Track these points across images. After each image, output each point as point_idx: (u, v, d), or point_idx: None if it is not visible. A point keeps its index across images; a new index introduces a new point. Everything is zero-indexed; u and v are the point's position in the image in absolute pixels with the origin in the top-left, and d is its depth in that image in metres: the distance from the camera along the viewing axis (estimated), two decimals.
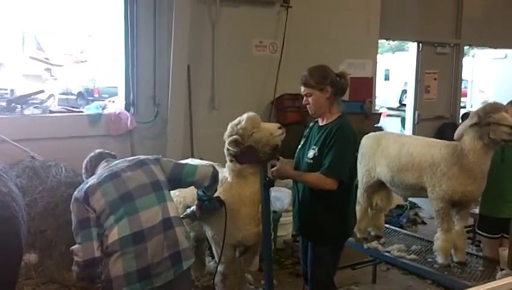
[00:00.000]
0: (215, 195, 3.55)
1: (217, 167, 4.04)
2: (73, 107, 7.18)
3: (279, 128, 3.60)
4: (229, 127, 3.64)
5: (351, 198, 3.50)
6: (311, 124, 3.61)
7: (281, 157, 3.62)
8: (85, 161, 3.34)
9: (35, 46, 15.44)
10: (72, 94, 14.10)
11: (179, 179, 3.21)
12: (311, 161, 3.37)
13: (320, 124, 3.48)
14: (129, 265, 2.78)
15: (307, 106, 3.46)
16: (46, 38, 15.43)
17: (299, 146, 3.61)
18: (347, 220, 3.49)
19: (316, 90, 3.39)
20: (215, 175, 3.34)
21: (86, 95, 13.88)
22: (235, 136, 3.54)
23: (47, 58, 15.37)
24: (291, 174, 3.47)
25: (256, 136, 3.52)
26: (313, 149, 3.38)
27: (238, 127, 3.56)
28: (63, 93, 13.80)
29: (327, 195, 3.32)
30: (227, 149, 3.63)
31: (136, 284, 2.79)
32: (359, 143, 5.04)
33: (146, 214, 2.89)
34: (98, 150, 3.40)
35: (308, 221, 3.49)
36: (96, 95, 13.38)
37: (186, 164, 3.41)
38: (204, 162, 4.07)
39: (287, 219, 5.65)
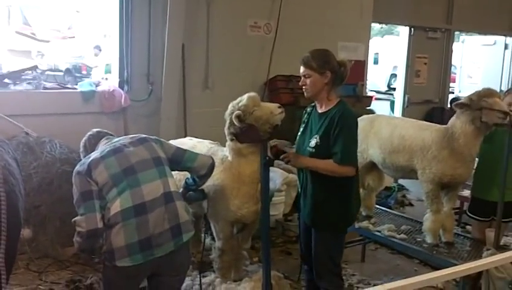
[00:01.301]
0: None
1: (215, 146, 4.12)
2: (61, 84, 7.13)
3: (279, 107, 3.63)
4: (230, 106, 3.67)
5: (354, 183, 3.48)
6: (308, 109, 3.58)
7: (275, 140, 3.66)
8: (83, 140, 3.37)
9: (21, 20, 15.22)
10: (60, 70, 13.96)
11: (179, 161, 3.28)
12: (313, 150, 3.36)
13: (320, 110, 3.45)
14: (131, 236, 2.83)
15: (304, 87, 3.43)
16: (32, 13, 15.21)
17: (299, 133, 3.59)
18: (350, 206, 3.49)
19: (315, 73, 3.36)
20: (212, 166, 3.41)
21: (74, 72, 13.74)
22: (238, 112, 3.56)
23: (34, 34, 15.18)
24: (308, 162, 3.41)
25: (257, 113, 3.55)
26: (315, 138, 3.37)
27: (240, 104, 3.59)
28: (50, 70, 13.68)
29: (330, 181, 3.33)
30: (229, 126, 3.66)
31: (137, 254, 2.84)
32: None
33: (148, 188, 2.95)
34: (96, 129, 3.43)
35: (312, 207, 3.50)
36: (84, 72, 13.26)
37: (187, 150, 3.47)
38: (206, 143, 4.17)
39: (279, 199, 5.73)
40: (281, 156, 3.43)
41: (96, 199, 2.91)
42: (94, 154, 3.05)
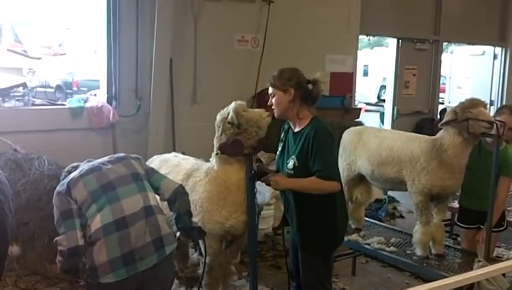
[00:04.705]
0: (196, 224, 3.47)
1: (200, 161, 4.09)
2: (52, 100, 7.12)
3: (266, 111, 3.56)
4: (218, 116, 3.60)
5: (337, 201, 3.39)
6: (286, 127, 3.54)
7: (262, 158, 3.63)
8: (67, 167, 3.34)
9: (12, 38, 15.22)
10: (51, 87, 13.95)
11: (148, 179, 3.23)
12: (292, 172, 3.33)
13: (295, 130, 3.41)
14: (113, 251, 2.81)
15: (272, 108, 3.41)
16: (24, 31, 15.23)
17: (278, 152, 3.56)
18: (336, 225, 3.42)
19: (279, 91, 3.33)
20: (178, 192, 3.25)
21: (65, 88, 13.73)
22: (232, 111, 3.48)
23: (25, 51, 15.17)
24: (291, 184, 3.35)
25: (247, 115, 3.48)
26: (292, 159, 3.33)
27: (229, 110, 3.54)
28: (41, 86, 13.66)
29: (312, 202, 3.29)
30: (221, 134, 3.57)
31: (121, 269, 2.82)
32: (340, 138, 5.12)
33: (127, 202, 2.94)
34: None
35: (297, 229, 3.47)
36: (75, 88, 13.26)
37: (158, 171, 3.43)
38: (191, 160, 4.14)
39: (268, 213, 5.72)
40: (262, 179, 3.40)
41: (76, 217, 2.90)
42: (73, 174, 3.07)
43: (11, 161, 5.17)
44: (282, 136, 3.55)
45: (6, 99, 5.96)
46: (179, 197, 3.24)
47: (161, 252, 2.95)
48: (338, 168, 3.36)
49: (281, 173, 3.48)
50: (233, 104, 3.53)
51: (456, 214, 5.03)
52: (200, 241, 3.83)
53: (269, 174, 3.40)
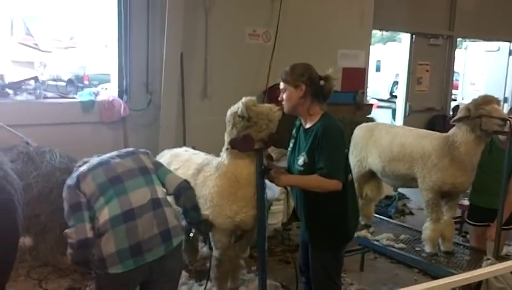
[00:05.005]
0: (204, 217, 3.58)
1: (210, 156, 4.09)
2: (63, 94, 7.16)
3: (276, 106, 3.54)
4: (229, 111, 3.60)
5: (347, 197, 3.35)
6: (297, 123, 3.51)
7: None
8: (78, 162, 3.38)
9: (24, 31, 15.31)
10: (62, 81, 14.01)
11: (156, 172, 3.28)
12: (302, 168, 3.31)
13: (305, 126, 3.39)
14: (121, 242, 2.86)
15: (282, 102, 3.39)
16: (35, 24, 15.31)
17: (289, 148, 3.55)
18: (346, 221, 3.39)
19: (290, 86, 3.32)
20: (182, 187, 3.29)
21: (76, 82, 13.79)
22: (242, 106, 3.47)
23: (36, 44, 15.26)
24: (292, 180, 3.39)
25: (257, 109, 3.47)
26: (302, 156, 3.31)
27: (239, 105, 3.53)
28: (53, 80, 13.72)
29: (321, 198, 3.26)
30: (232, 128, 3.56)
31: (129, 260, 2.86)
32: (351, 134, 5.09)
33: (135, 195, 2.98)
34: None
35: (306, 225, 3.47)
36: (86, 82, 13.31)
37: (164, 166, 3.47)
38: (201, 155, 4.16)
39: (278, 208, 5.70)
40: (265, 176, 3.41)
41: (85, 210, 2.94)
42: (82, 168, 3.12)
43: (23, 154, 5.22)
44: (293, 132, 3.53)
45: (18, 93, 6.01)
46: (183, 192, 3.27)
47: (168, 244, 2.98)
48: (342, 168, 3.26)
49: (282, 169, 3.48)
50: (243, 99, 3.53)
51: (466, 212, 5.00)
52: (210, 235, 3.85)
53: (272, 170, 3.40)
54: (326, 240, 3.40)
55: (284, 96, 3.36)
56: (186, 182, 3.34)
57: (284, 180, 3.37)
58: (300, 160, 3.32)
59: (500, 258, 4.21)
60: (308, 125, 3.36)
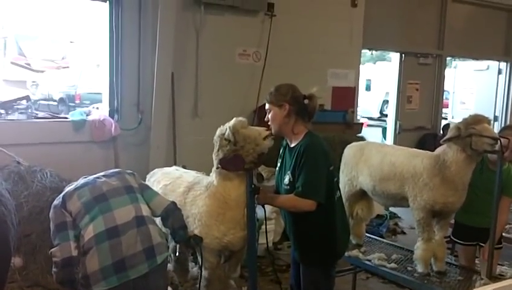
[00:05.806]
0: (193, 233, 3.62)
1: (201, 175, 4.07)
2: (54, 113, 7.15)
3: (267, 130, 3.53)
4: (218, 130, 3.60)
5: (336, 214, 3.36)
6: (284, 143, 3.53)
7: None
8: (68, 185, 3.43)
9: (16, 51, 15.35)
10: (54, 100, 14.02)
11: (141, 193, 3.32)
12: (288, 187, 3.32)
13: (290, 145, 3.40)
14: (104, 259, 2.88)
15: (269, 123, 3.42)
16: (28, 44, 15.36)
17: (277, 168, 3.56)
18: (335, 239, 3.38)
19: (274, 107, 3.35)
20: (169, 209, 3.34)
21: (68, 101, 13.80)
22: (228, 130, 3.47)
23: (28, 64, 15.29)
24: (268, 199, 3.41)
25: (245, 133, 3.46)
26: (288, 175, 3.32)
27: (227, 126, 3.52)
28: (44, 99, 13.72)
29: (308, 216, 3.25)
30: (218, 150, 3.55)
31: (112, 277, 2.88)
32: (341, 153, 5.08)
33: (119, 212, 3.03)
34: None
35: (296, 244, 3.46)
36: (77, 101, 13.32)
37: (151, 188, 3.51)
38: (192, 173, 4.15)
39: (268, 227, 5.66)
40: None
41: (70, 229, 3.00)
42: (69, 187, 3.19)
43: (14, 173, 5.23)
44: (280, 151, 3.55)
45: (9, 112, 6.02)
46: (170, 214, 3.32)
47: (152, 261, 2.99)
48: (320, 187, 3.23)
49: (262, 188, 3.50)
50: (233, 121, 3.53)
51: (451, 229, 4.98)
52: (198, 255, 3.81)
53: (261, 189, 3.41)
54: (316, 256, 3.39)
55: (270, 116, 3.39)
56: (173, 203, 3.38)
57: (262, 199, 3.40)
58: (286, 179, 3.34)
59: (493, 278, 4.19)
60: (293, 144, 3.38)
